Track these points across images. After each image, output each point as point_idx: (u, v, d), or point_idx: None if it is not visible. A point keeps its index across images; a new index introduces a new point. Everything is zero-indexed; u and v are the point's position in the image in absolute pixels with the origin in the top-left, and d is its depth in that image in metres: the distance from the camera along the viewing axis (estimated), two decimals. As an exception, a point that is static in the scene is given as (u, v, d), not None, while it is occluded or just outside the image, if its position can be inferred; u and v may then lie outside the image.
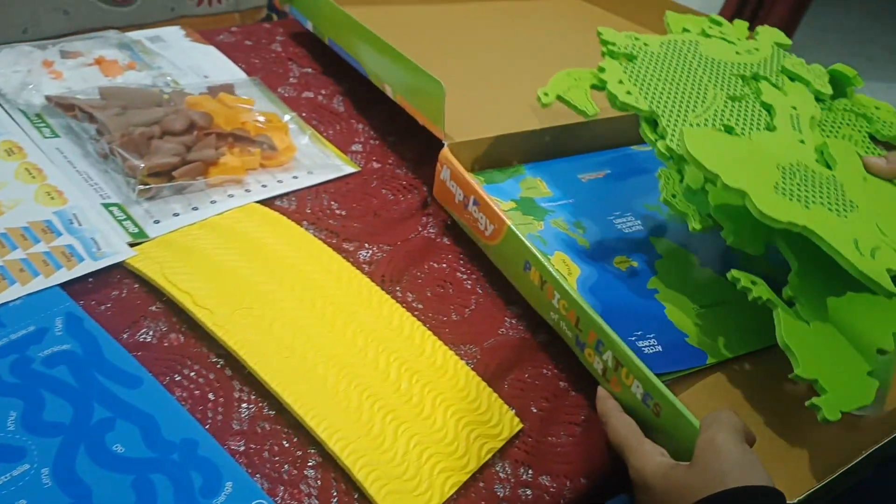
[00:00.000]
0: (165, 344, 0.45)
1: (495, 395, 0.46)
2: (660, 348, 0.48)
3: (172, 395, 0.42)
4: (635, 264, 0.55)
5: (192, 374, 0.44)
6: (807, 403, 0.40)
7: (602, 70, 0.52)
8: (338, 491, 0.40)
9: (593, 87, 0.53)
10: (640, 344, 0.48)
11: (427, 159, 0.65)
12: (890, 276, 0.41)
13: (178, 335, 0.46)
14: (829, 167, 0.49)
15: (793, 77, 0.56)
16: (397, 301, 0.50)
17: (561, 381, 0.49)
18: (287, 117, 0.65)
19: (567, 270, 0.53)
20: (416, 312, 0.50)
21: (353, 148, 0.65)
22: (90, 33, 0.68)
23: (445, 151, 0.56)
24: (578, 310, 0.46)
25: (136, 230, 0.50)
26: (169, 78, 0.65)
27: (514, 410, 0.46)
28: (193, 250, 0.49)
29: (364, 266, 0.53)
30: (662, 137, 0.48)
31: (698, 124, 0.49)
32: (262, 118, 0.62)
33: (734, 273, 0.43)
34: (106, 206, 0.51)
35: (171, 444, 0.39)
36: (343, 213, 0.58)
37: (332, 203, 0.59)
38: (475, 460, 0.42)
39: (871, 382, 0.40)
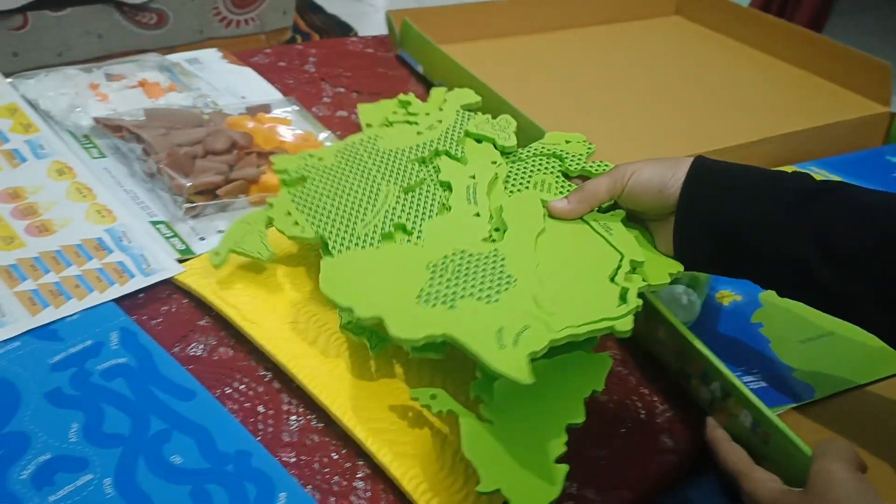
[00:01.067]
0: (215, 357, 0.46)
1: (537, 408, 0.47)
2: (764, 384, 0.48)
3: (224, 407, 0.43)
4: (739, 298, 0.54)
5: (242, 386, 0.45)
6: None
7: (271, 206, 0.49)
8: (387, 502, 0.41)
9: (269, 225, 0.49)
10: (744, 380, 0.48)
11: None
12: (545, 352, 0.38)
13: (227, 349, 0.47)
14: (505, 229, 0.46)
15: (479, 139, 0.53)
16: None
17: (601, 395, 0.50)
18: (322, 136, 0.66)
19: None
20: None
21: (388, 165, 0.67)
22: (131, 56, 0.70)
23: None
24: (683, 342, 0.47)
25: (183, 247, 0.52)
26: (209, 99, 0.67)
27: (555, 423, 0.47)
28: (239, 266, 0.51)
29: (403, 281, 0.54)
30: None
31: (366, 232, 0.46)
32: (293, 136, 0.64)
33: (412, 393, 0.41)
34: (153, 223, 0.53)
35: (225, 456, 0.40)
36: (380, 229, 0.59)
37: (370, 220, 0.60)
38: (521, 473, 0.43)
39: (558, 470, 0.37)
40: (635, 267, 0.44)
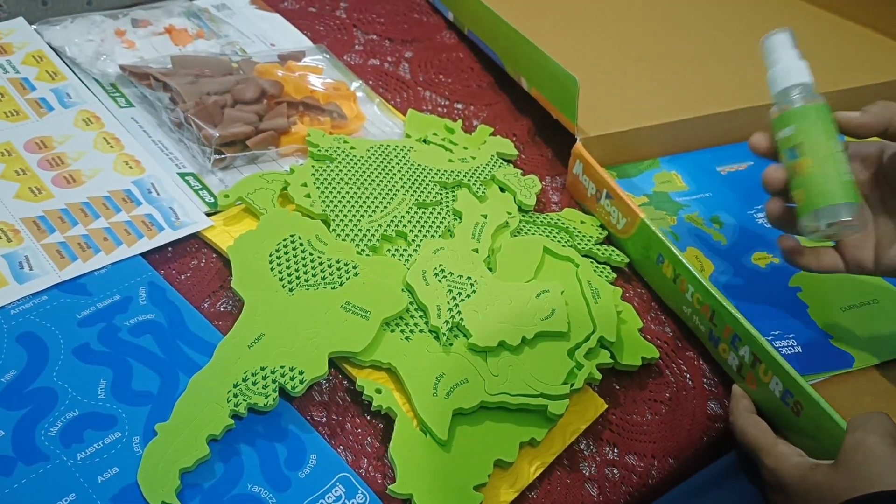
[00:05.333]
0: (245, 314, 0.45)
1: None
2: (799, 349, 0.46)
3: (254, 365, 0.42)
4: (776, 261, 0.52)
5: (273, 344, 0.44)
6: None
7: (292, 171, 0.51)
8: (420, 465, 0.40)
9: (284, 188, 0.50)
10: (777, 344, 0.46)
11: (497, 123, 0.63)
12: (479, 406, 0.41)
13: (257, 306, 0.45)
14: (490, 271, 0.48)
15: (503, 187, 0.55)
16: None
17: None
18: (355, 85, 0.63)
19: (699, 266, 0.51)
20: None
21: (422, 116, 0.64)
22: (158, 2, 0.68)
23: (578, 146, 0.56)
24: (713, 303, 0.45)
25: (212, 200, 0.50)
26: (237, 46, 0.64)
27: (596, 388, 0.45)
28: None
29: (438, 237, 0.52)
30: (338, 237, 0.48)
31: (368, 228, 0.48)
32: (325, 86, 0.61)
33: (359, 382, 0.41)
34: (182, 175, 0.51)
35: (254, 415, 0.39)
36: (414, 183, 0.57)
37: (403, 173, 0.57)
38: (560, 442, 0.41)
39: (473, 497, 0.37)
40: (604, 344, 0.45)
